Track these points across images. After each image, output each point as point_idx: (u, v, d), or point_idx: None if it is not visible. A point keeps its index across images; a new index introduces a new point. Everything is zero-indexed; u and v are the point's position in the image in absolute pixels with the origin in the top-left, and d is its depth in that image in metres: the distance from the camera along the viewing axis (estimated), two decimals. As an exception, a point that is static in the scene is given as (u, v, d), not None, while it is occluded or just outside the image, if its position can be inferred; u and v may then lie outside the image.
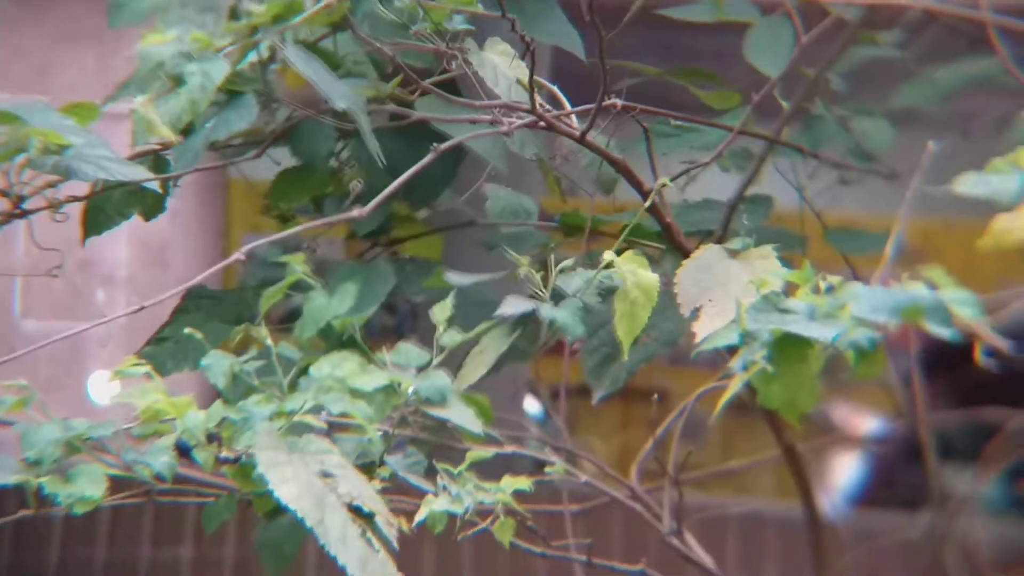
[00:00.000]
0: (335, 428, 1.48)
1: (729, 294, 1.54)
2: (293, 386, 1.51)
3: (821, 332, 1.25)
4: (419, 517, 1.47)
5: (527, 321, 1.60)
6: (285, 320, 1.76)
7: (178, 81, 1.62)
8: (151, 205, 1.82)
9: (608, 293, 1.59)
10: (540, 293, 1.58)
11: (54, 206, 1.75)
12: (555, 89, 1.74)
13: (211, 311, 1.85)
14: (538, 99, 1.65)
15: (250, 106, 1.67)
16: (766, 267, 1.58)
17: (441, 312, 1.57)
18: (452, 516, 1.50)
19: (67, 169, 1.64)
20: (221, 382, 1.52)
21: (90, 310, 3.46)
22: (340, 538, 1.31)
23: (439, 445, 1.60)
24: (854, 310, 1.25)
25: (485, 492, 1.52)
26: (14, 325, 3.53)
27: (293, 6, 1.66)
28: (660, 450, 2.00)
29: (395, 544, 1.35)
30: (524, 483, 1.54)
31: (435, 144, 1.58)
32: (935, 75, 2.15)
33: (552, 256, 1.61)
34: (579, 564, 1.95)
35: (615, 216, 1.92)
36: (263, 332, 1.56)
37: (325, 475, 1.36)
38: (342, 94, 1.63)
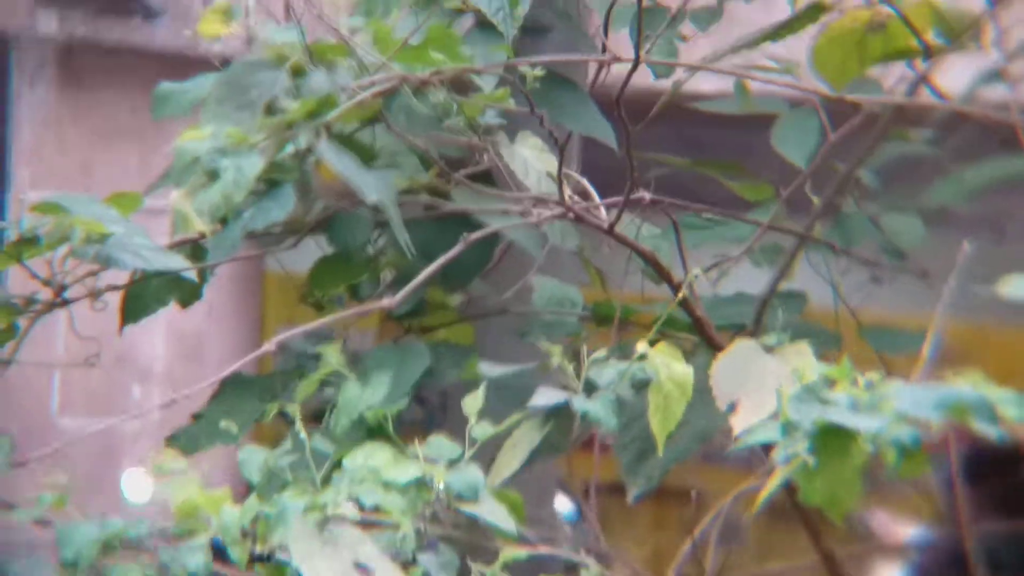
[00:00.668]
0: (367, 526, 1.47)
1: (766, 388, 1.54)
2: (326, 479, 1.51)
3: (865, 424, 1.24)
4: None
5: (560, 413, 1.59)
6: (317, 413, 1.77)
7: (213, 176, 1.66)
8: (188, 293, 1.85)
9: (641, 386, 1.58)
10: (572, 384, 1.58)
11: (94, 294, 1.78)
12: (584, 181, 1.77)
13: (245, 393, 1.87)
14: (567, 191, 1.68)
15: (288, 196, 1.70)
16: (803, 362, 1.58)
17: (473, 404, 1.57)
18: (486, 616, 1.49)
19: (107, 258, 1.68)
20: (256, 476, 1.53)
21: (126, 405, 3.49)
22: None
23: (471, 544, 1.59)
24: (897, 405, 1.24)
25: (518, 595, 1.50)
26: (51, 421, 3.56)
27: (328, 102, 1.70)
28: (697, 553, 1.97)
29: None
30: (559, 586, 1.52)
31: (467, 233, 1.60)
32: (967, 174, 2.16)
33: (584, 347, 1.61)
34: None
35: (646, 307, 1.93)
36: (298, 422, 1.57)
37: (359, 567, 1.36)
38: (374, 188, 1.66)
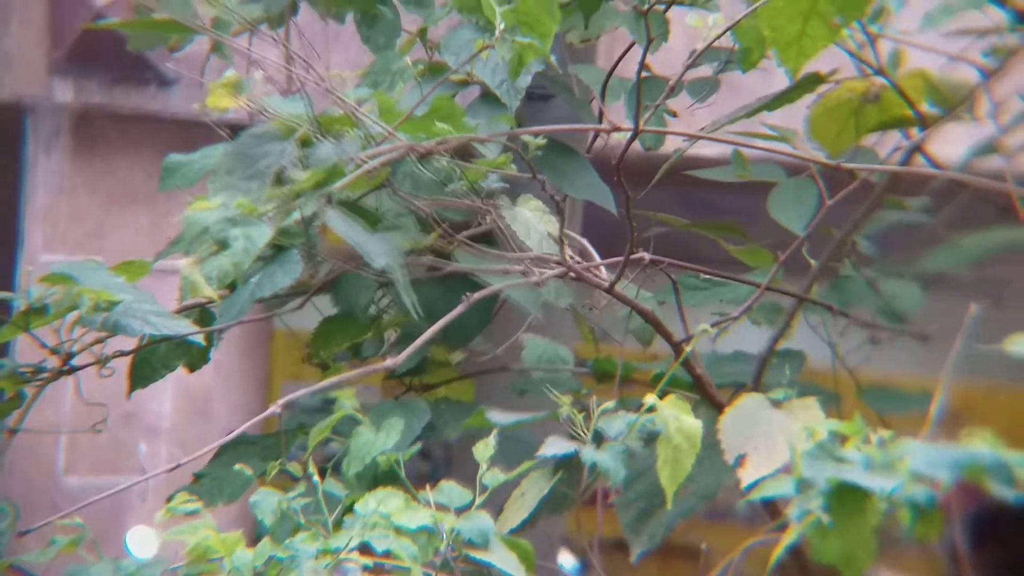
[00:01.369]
0: (378, 571, 1.48)
1: (774, 443, 1.54)
2: (338, 524, 1.52)
3: (880, 483, 1.24)
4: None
5: (569, 464, 1.60)
6: (324, 463, 1.78)
7: (223, 244, 1.69)
8: (196, 357, 1.88)
9: (651, 438, 1.58)
10: (582, 435, 1.58)
11: (101, 362, 1.80)
12: (584, 242, 1.80)
13: (248, 452, 1.89)
14: (568, 252, 1.71)
15: (294, 262, 1.73)
16: (810, 417, 1.58)
17: (485, 450, 1.57)
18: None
19: (115, 325, 1.69)
20: (269, 519, 1.54)
21: (132, 463, 3.49)
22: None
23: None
24: (912, 464, 1.24)
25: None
26: (57, 482, 3.56)
27: (335, 172, 1.74)
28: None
29: None
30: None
31: (468, 292, 1.63)
32: (964, 241, 2.18)
33: (593, 399, 1.62)
34: None
35: (647, 364, 1.95)
36: (311, 465, 1.58)
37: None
38: (380, 252, 1.69)
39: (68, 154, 3.65)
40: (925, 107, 2.09)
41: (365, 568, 1.44)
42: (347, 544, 1.44)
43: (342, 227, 1.70)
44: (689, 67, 1.75)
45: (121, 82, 3.59)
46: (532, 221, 1.75)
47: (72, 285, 1.67)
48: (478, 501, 1.55)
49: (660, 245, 1.79)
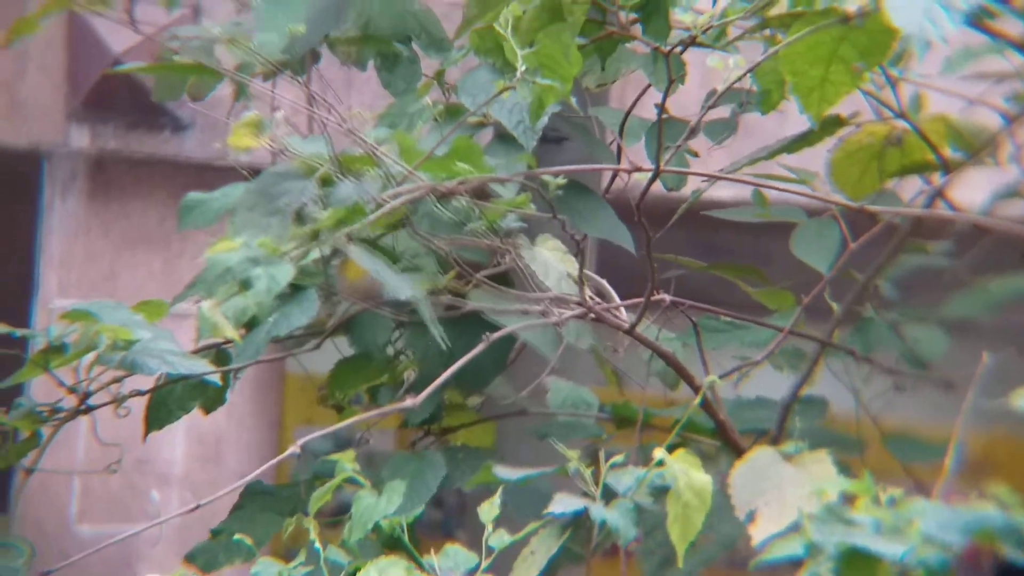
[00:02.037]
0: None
1: (784, 499, 1.53)
2: (341, 593, 1.50)
3: (890, 549, 1.23)
4: None
5: (578, 521, 1.58)
6: (337, 513, 1.77)
7: (245, 285, 1.68)
8: (212, 398, 1.87)
9: (661, 493, 1.57)
10: (591, 491, 1.56)
11: (118, 401, 1.79)
12: (603, 283, 1.79)
13: (265, 505, 1.87)
14: (587, 292, 1.70)
15: (312, 301, 1.73)
16: (822, 472, 1.57)
17: (489, 512, 1.56)
18: None
19: (133, 363, 1.69)
20: (270, 590, 1.51)
21: (144, 509, 3.47)
22: None
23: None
24: (923, 527, 1.23)
25: None
26: (70, 530, 3.54)
27: (356, 211, 1.74)
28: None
29: None
30: None
31: (487, 334, 1.62)
32: (988, 286, 2.16)
33: (603, 451, 1.60)
34: None
35: (668, 410, 1.93)
36: (312, 533, 1.56)
37: None
38: (405, 286, 1.68)
39: (83, 199, 3.66)
40: (947, 152, 2.08)
41: None
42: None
43: (367, 262, 1.69)
44: (710, 108, 1.74)
45: (136, 127, 3.61)
46: (551, 261, 1.74)
47: (91, 323, 1.66)
48: (484, 564, 1.52)
49: (678, 288, 1.78)
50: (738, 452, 1.74)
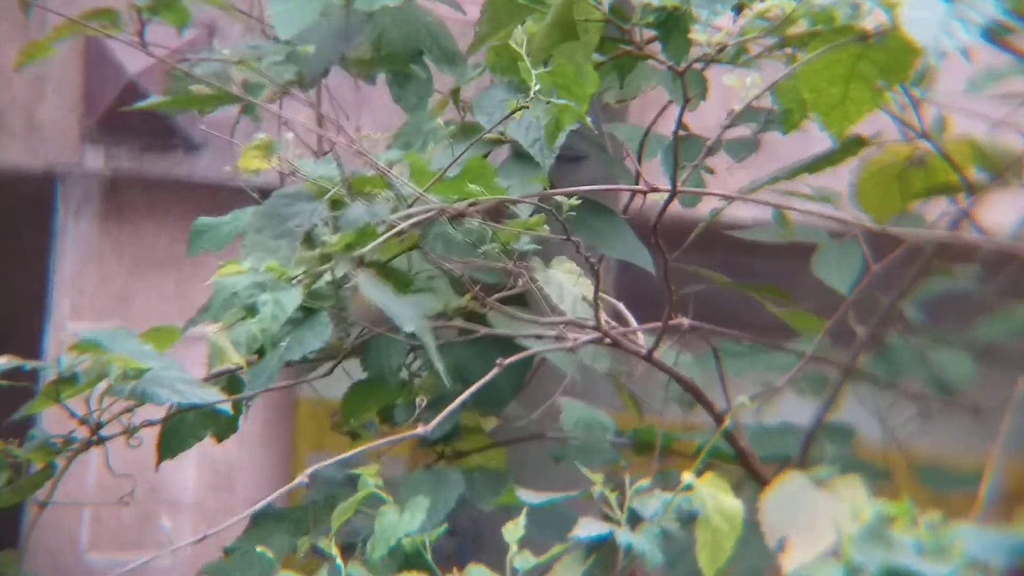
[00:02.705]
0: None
1: (818, 525, 1.49)
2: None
3: (933, 570, 1.21)
4: None
5: (603, 546, 1.55)
6: (346, 546, 1.73)
7: (251, 311, 1.66)
8: (224, 426, 1.84)
9: (688, 519, 1.54)
10: (615, 515, 1.53)
11: (130, 431, 1.77)
12: (620, 306, 1.76)
13: (276, 527, 1.84)
14: (603, 316, 1.66)
15: (324, 325, 1.70)
16: (855, 497, 1.53)
17: (514, 532, 1.52)
18: None
19: (143, 393, 1.67)
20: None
21: (156, 540, 3.45)
22: None
23: None
24: (966, 549, 1.22)
25: None
26: (80, 559, 3.52)
27: (366, 234, 1.71)
28: None
29: None
30: None
31: (501, 357, 1.59)
32: (1016, 311, 2.13)
33: (627, 476, 1.56)
34: None
35: (688, 435, 1.90)
36: (333, 550, 1.53)
37: None
38: (409, 317, 1.66)
39: (96, 221, 3.65)
40: (972, 173, 2.04)
41: None
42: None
43: (373, 291, 1.67)
44: (728, 126, 1.71)
45: (150, 148, 3.60)
46: (565, 284, 1.71)
47: (101, 353, 1.64)
48: (508, 585, 1.49)
49: (698, 309, 1.74)
50: (760, 481, 1.70)
